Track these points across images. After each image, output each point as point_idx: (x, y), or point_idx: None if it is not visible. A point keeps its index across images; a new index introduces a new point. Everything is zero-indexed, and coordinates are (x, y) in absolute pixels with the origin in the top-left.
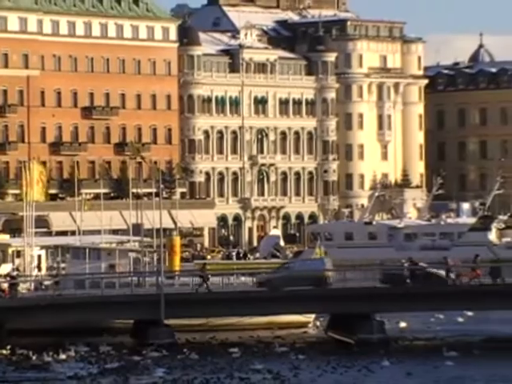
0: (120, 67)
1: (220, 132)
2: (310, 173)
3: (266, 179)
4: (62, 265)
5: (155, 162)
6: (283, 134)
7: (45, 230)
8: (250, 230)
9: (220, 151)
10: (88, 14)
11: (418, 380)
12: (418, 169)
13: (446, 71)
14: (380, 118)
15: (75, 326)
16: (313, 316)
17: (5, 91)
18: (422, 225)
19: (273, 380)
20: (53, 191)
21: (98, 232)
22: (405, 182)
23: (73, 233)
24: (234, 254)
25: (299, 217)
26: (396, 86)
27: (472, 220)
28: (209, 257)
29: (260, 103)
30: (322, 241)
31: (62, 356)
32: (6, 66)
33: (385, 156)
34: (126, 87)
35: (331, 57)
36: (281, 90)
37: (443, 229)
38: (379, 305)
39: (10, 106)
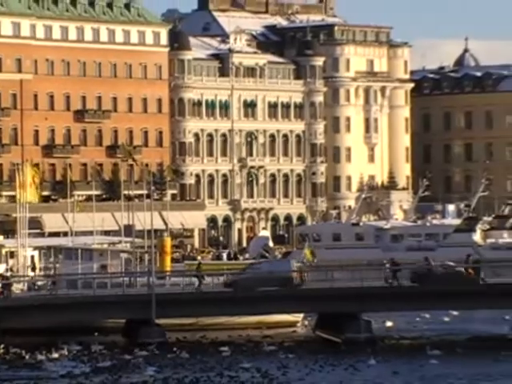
0: (112, 71)
1: (210, 135)
2: (299, 175)
3: (255, 181)
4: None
5: (146, 165)
6: (272, 136)
7: (38, 231)
8: (240, 231)
9: (210, 154)
10: (80, 18)
11: (404, 378)
12: (404, 171)
13: (431, 75)
14: (367, 121)
15: (68, 326)
16: (301, 316)
17: None
18: (408, 226)
19: (261, 378)
20: (46, 193)
21: (90, 233)
22: (391, 184)
23: (65, 234)
24: (224, 254)
25: (288, 218)
26: (383, 89)
27: (457, 221)
28: (199, 257)
29: (249, 107)
30: (310, 242)
31: (55, 355)
32: (0, 70)
33: (372, 158)
34: (117, 91)
35: (319, 61)
36: (270, 94)
37: (429, 230)
38: (367, 304)
39: (3, 109)
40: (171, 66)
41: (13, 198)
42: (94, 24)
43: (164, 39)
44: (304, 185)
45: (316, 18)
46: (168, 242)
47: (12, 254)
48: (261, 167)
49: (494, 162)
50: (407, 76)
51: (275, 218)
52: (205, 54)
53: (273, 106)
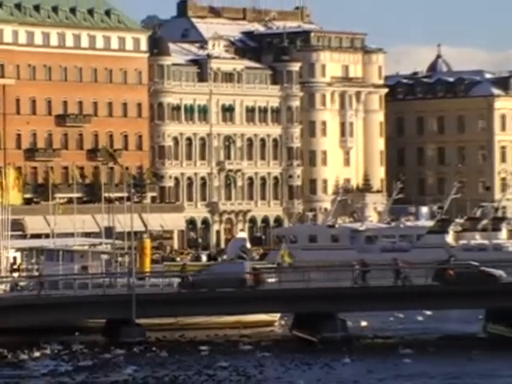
0: (92, 76)
1: (189, 139)
2: (276, 178)
3: (233, 184)
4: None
5: (126, 168)
6: (250, 140)
7: (20, 232)
8: (218, 232)
9: (189, 157)
10: (62, 25)
11: (378, 376)
12: (379, 174)
13: (405, 80)
14: (342, 125)
15: (49, 325)
16: (278, 315)
17: None
18: (383, 228)
19: (238, 376)
20: (28, 195)
21: (72, 235)
22: (366, 187)
23: (47, 235)
24: (202, 255)
25: (265, 220)
26: (358, 94)
27: (430, 223)
28: (178, 258)
29: (227, 111)
30: (286, 243)
31: (37, 354)
32: None
33: (347, 162)
34: (98, 96)
35: (295, 67)
36: (247, 99)
37: (403, 231)
38: (342, 304)
39: None
40: (151, 72)
41: None
42: (75, 30)
43: (144, 45)
44: (281, 187)
45: (292, 25)
46: (148, 243)
47: None
48: (238, 170)
49: (466, 165)
50: (381, 81)
51: (253, 220)
52: (184, 59)
53: (250, 111)
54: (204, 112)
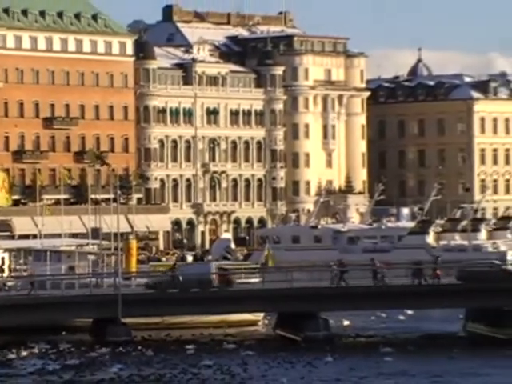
0: (79, 80)
1: (174, 141)
2: (259, 180)
3: (217, 186)
4: (24, 267)
5: (113, 170)
6: (234, 143)
7: (8, 233)
8: (203, 233)
9: (174, 159)
10: (49, 29)
11: (360, 375)
12: (361, 176)
13: (386, 84)
14: (325, 127)
15: (36, 325)
16: (262, 315)
17: None
18: (365, 228)
19: (223, 375)
20: (16, 197)
21: (59, 236)
22: (348, 189)
23: (34, 236)
24: (188, 256)
25: (249, 221)
26: (340, 97)
27: (411, 224)
28: (164, 259)
29: (212, 114)
30: (270, 244)
31: (24, 353)
32: None
33: (329, 164)
34: (85, 99)
35: (279, 70)
36: (231, 102)
37: (384, 232)
38: (325, 304)
39: None
40: (137, 75)
41: None
42: (63, 34)
43: (130, 49)
44: (264, 189)
45: (276, 29)
46: (134, 244)
47: None
48: (223, 172)
49: (446, 167)
50: (363, 85)
51: (237, 221)
52: (169, 63)
53: (234, 114)
54: (189, 115)
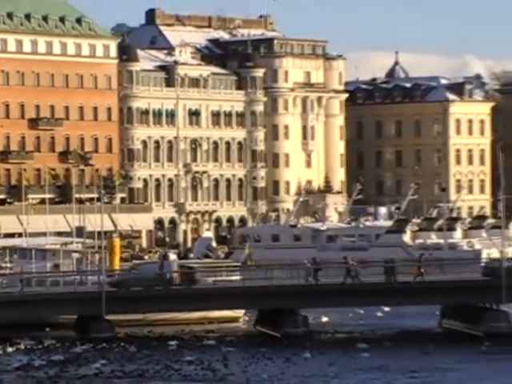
0: (64, 82)
1: (157, 142)
2: (240, 179)
3: (199, 185)
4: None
5: (97, 170)
6: (215, 143)
7: None
8: (185, 232)
9: (157, 159)
10: (34, 32)
11: (338, 370)
12: (339, 176)
13: (364, 86)
14: (304, 128)
15: (21, 321)
16: (243, 311)
17: None
18: (343, 227)
19: (204, 371)
20: (1, 196)
21: (44, 234)
22: (327, 188)
23: (20, 235)
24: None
25: (230, 220)
26: (319, 99)
27: (388, 223)
28: (146, 257)
29: (194, 115)
30: (250, 242)
31: (10, 349)
32: None
33: (308, 164)
34: (69, 100)
35: (259, 72)
36: (213, 103)
37: (362, 231)
38: (304, 301)
39: None
40: (120, 77)
41: None
42: (48, 37)
43: (113, 52)
44: (245, 189)
45: (256, 32)
46: (117, 242)
47: None
48: (204, 172)
49: (423, 167)
50: (342, 87)
51: (218, 220)
52: (152, 65)
53: (216, 115)
54: (171, 116)
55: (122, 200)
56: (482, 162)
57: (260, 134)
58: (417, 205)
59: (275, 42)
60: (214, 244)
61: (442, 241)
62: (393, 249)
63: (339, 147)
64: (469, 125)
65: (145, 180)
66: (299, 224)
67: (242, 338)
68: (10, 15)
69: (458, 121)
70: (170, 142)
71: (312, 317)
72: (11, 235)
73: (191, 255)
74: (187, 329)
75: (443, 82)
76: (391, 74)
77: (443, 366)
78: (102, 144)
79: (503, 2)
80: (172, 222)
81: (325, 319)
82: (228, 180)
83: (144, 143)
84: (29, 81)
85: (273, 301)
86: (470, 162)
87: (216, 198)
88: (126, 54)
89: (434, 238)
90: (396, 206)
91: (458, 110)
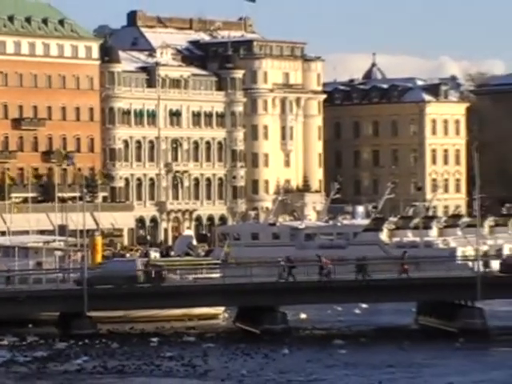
0: (47, 82)
1: (138, 142)
2: (220, 179)
3: (180, 184)
4: None
5: (79, 169)
6: (196, 143)
7: None
8: (166, 230)
9: (138, 159)
10: (17, 33)
11: (315, 366)
12: (318, 175)
13: (342, 87)
14: (283, 129)
15: (4, 318)
16: (222, 308)
17: None
18: (321, 226)
19: (185, 366)
20: None
21: (27, 232)
22: (305, 187)
23: (3, 233)
24: (151, 252)
25: (210, 218)
26: (298, 100)
27: (366, 221)
28: (128, 255)
29: (175, 115)
30: (230, 240)
31: None
32: None
33: (287, 163)
34: (52, 100)
35: (239, 74)
36: (193, 104)
37: (340, 229)
38: (282, 298)
39: None
40: (102, 78)
41: None
42: (31, 38)
43: (95, 53)
44: (225, 188)
45: (236, 34)
46: (99, 240)
47: None
48: (185, 171)
49: (399, 167)
50: (320, 88)
51: (199, 219)
52: (133, 66)
53: (196, 115)
54: (152, 116)
55: (104, 199)
56: (458, 162)
57: (240, 134)
58: (393, 204)
59: (254, 43)
60: (194, 242)
61: (418, 239)
62: (370, 247)
63: (317, 147)
64: (444, 125)
65: (126, 179)
66: (278, 222)
67: (222, 334)
68: None
69: (433, 121)
70: (151, 141)
71: (291, 314)
72: None
73: (172, 253)
74: (168, 325)
75: (419, 83)
76: (368, 75)
77: (419, 362)
78: (84, 144)
79: (478, 4)
80: (153, 220)
81: (303, 316)
82: (208, 179)
83: (125, 143)
84: (12, 81)
85: (252, 298)
86: (446, 161)
87: (196, 197)
88: (107, 55)
89: (410, 236)
90: (373, 205)
91: (434, 110)
